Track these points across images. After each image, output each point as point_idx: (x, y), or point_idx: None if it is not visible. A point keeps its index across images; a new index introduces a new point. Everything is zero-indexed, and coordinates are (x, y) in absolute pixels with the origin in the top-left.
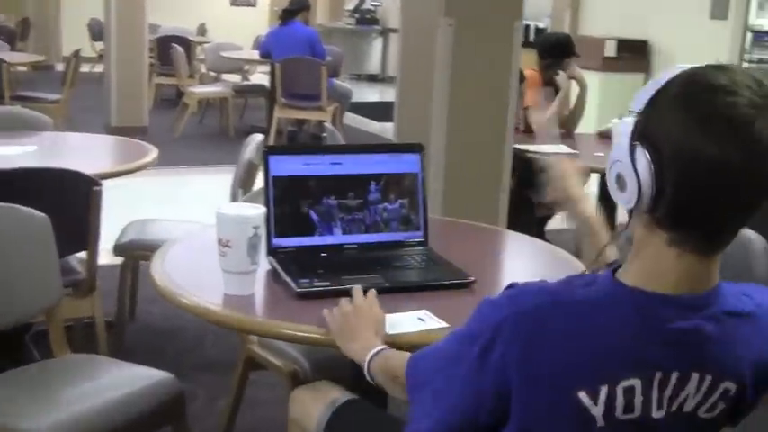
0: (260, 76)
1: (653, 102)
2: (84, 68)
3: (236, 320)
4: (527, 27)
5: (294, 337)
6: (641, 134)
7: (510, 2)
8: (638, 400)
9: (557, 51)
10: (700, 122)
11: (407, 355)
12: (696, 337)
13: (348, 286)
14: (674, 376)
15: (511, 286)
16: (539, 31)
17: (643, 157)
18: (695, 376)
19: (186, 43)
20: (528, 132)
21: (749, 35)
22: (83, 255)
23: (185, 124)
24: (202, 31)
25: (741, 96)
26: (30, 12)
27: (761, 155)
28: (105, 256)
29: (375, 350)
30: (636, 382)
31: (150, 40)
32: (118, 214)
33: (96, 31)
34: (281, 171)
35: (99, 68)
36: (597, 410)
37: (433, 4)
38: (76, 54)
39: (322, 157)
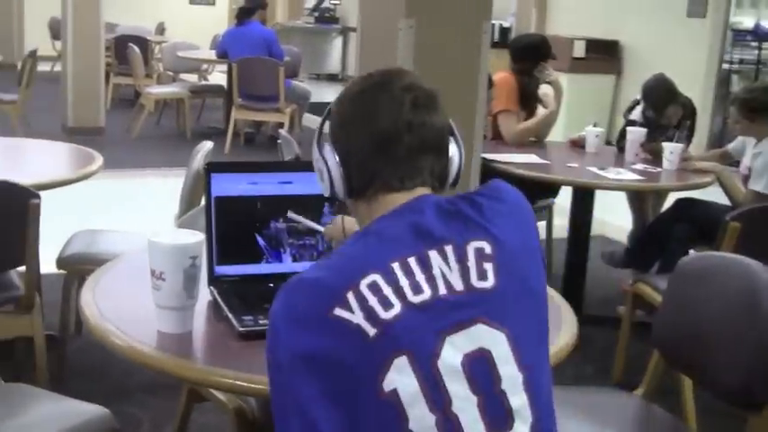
0: (219, 76)
1: (330, 107)
2: (46, 67)
3: (171, 366)
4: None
5: (234, 387)
6: (327, 132)
7: (477, 1)
8: (388, 290)
9: (531, 54)
10: (353, 114)
11: None
12: (419, 223)
13: None
14: (413, 260)
15: None
16: (503, 30)
17: (328, 152)
18: (434, 253)
19: (143, 43)
20: (497, 140)
21: (729, 34)
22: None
23: (142, 125)
24: (161, 30)
25: (393, 87)
26: None
27: (412, 120)
28: (53, 266)
29: None
30: (375, 277)
31: (108, 40)
32: (69, 219)
33: (56, 30)
34: (224, 191)
35: (59, 67)
36: (359, 317)
37: (391, 3)
38: (33, 54)
39: (270, 175)
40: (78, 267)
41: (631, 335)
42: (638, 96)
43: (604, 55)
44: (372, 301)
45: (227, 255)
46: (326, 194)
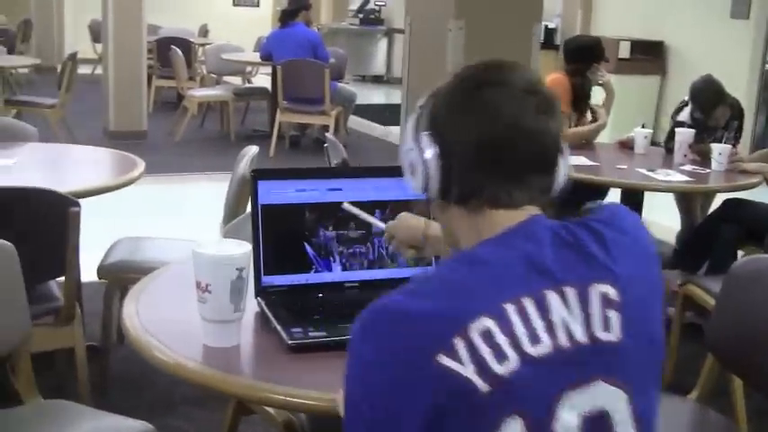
0: (263, 79)
1: (434, 93)
2: (87, 70)
3: (218, 381)
4: None
5: (284, 403)
6: (425, 123)
7: (527, 3)
8: (502, 339)
9: (585, 55)
10: (466, 109)
11: None
12: (535, 256)
13: (347, 337)
14: (528, 302)
15: None
16: (548, 31)
17: (427, 143)
18: (552, 295)
19: (186, 45)
20: None
21: None
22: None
23: (185, 128)
24: (204, 32)
25: (505, 86)
26: (32, 13)
27: (533, 127)
28: (94, 274)
29: None
30: (488, 323)
31: (150, 42)
32: (111, 225)
33: (97, 33)
34: (271, 199)
35: (100, 70)
36: (469, 370)
37: (440, 4)
38: (72, 57)
39: (318, 182)
40: (120, 276)
41: (681, 336)
42: (686, 98)
43: (649, 56)
44: (484, 351)
45: (274, 264)
46: (417, 191)
